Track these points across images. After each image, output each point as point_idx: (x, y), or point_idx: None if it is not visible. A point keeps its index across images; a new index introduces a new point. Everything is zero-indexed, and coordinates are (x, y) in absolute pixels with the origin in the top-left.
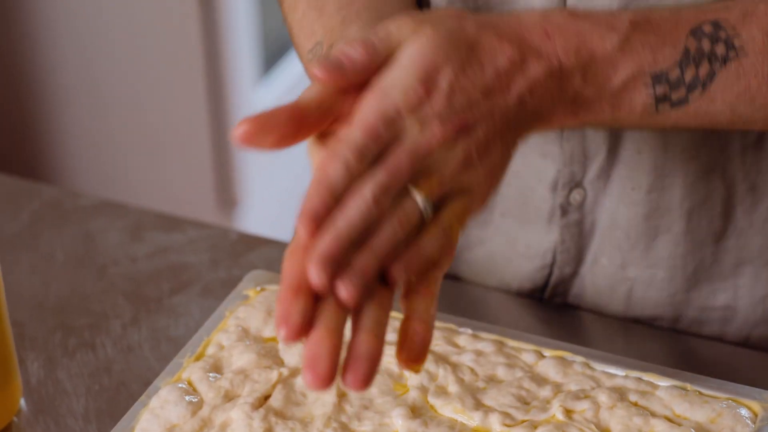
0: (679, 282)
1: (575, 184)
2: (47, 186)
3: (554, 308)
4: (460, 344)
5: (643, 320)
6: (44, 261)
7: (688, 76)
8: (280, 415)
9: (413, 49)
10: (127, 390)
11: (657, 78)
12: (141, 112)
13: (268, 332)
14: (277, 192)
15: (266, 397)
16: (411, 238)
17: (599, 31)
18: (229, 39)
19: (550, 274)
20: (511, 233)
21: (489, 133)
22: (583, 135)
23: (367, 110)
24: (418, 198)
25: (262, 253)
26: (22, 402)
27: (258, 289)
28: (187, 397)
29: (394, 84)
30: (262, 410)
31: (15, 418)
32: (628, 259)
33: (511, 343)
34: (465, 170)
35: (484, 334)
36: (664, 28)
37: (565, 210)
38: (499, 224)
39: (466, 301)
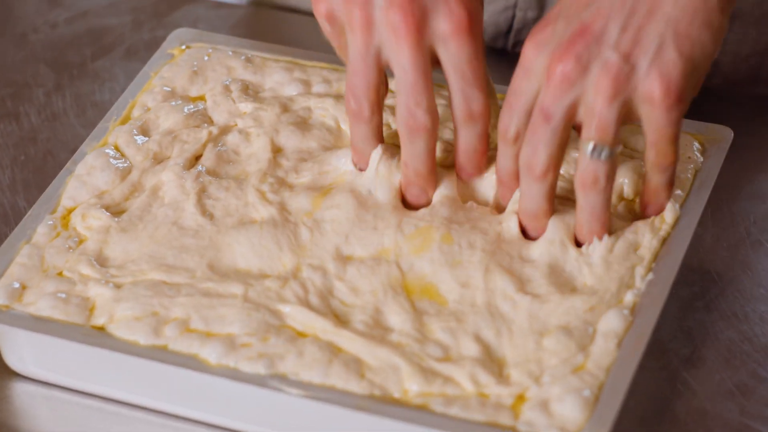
0: None
1: None
2: None
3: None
4: None
5: None
6: None
7: None
8: (214, 174)
9: None
10: (54, 159)
11: None
12: None
13: (194, 91)
14: None
15: (197, 158)
16: None
17: None
18: None
19: (513, 17)
20: None
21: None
22: None
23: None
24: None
25: (186, 11)
26: None
27: (183, 47)
28: (114, 162)
29: None
30: (194, 170)
31: None
32: None
33: None
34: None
35: None
36: None
37: None
38: None
39: None
